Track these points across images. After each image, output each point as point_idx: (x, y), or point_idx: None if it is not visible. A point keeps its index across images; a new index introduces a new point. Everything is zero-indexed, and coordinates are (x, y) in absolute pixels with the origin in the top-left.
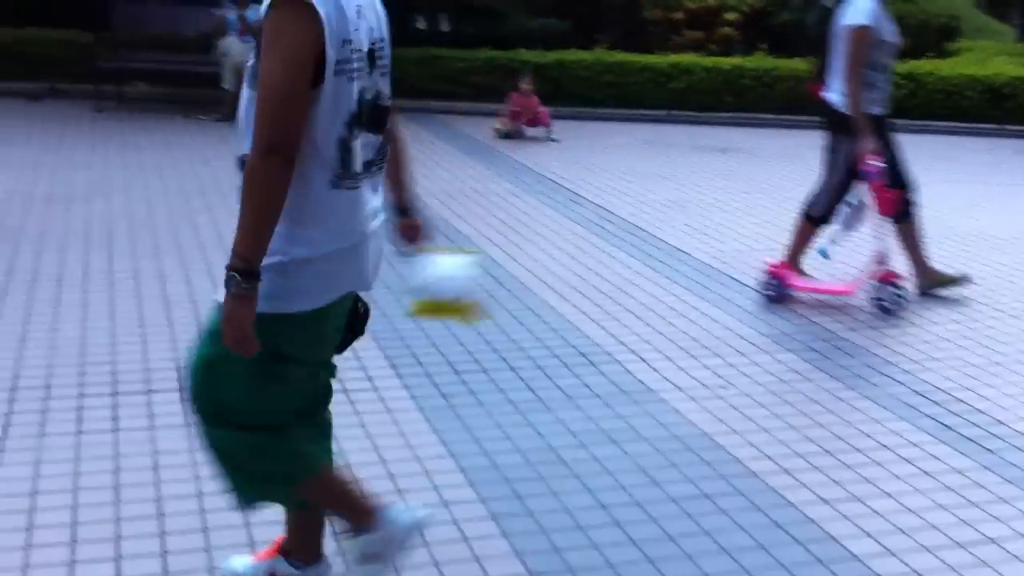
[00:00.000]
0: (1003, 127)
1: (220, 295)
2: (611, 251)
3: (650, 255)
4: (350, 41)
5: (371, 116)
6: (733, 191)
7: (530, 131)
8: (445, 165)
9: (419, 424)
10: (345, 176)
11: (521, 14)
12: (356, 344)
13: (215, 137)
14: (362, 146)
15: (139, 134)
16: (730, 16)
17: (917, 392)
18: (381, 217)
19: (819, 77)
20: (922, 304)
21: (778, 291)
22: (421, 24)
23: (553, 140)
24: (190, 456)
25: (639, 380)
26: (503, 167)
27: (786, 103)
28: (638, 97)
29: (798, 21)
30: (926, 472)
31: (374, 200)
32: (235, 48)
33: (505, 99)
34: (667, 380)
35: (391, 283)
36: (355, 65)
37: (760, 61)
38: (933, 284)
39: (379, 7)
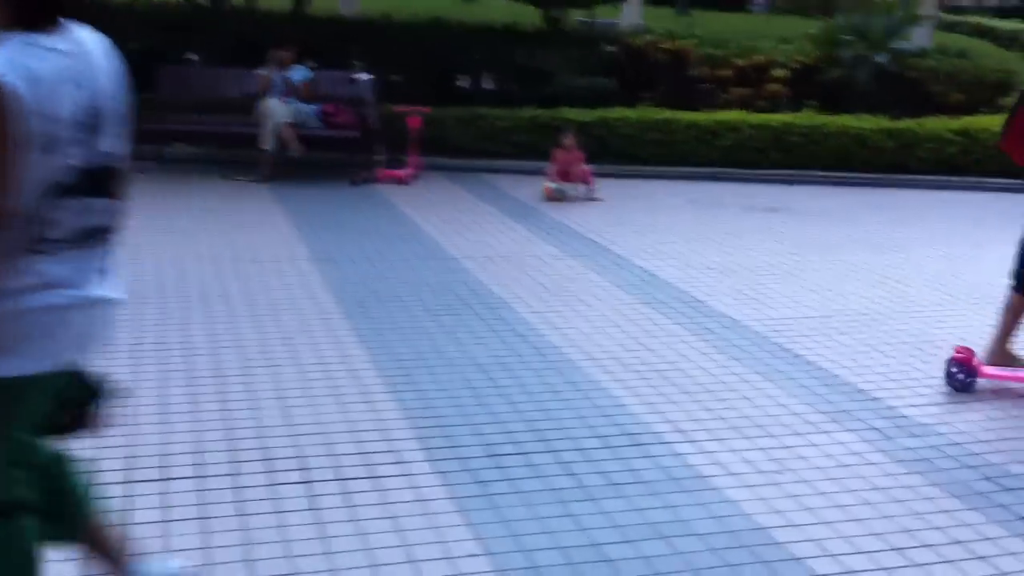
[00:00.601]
0: None
1: None
2: (657, 319)
3: (698, 323)
4: (54, 116)
5: (92, 181)
6: (783, 253)
7: (572, 190)
8: (486, 227)
9: (452, 516)
10: (40, 243)
11: (567, 73)
12: (386, 424)
13: (252, 200)
14: (81, 211)
15: (177, 196)
16: (778, 73)
17: (989, 478)
18: (99, 290)
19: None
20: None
21: (966, 380)
22: (464, 83)
23: (594, 199)
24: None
25: (689, 465)
26: (546, 228)
27: (836, 160)
28: (684, 155)
29: (848, 77)
30: (1007, 574)
31: (85, 272)
32: (277, 109)
33: (550, 157)
34: (719, 464)
35: (426, 354)
36: (63, 136)
37: (809, 118)
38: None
39: (110, 65)
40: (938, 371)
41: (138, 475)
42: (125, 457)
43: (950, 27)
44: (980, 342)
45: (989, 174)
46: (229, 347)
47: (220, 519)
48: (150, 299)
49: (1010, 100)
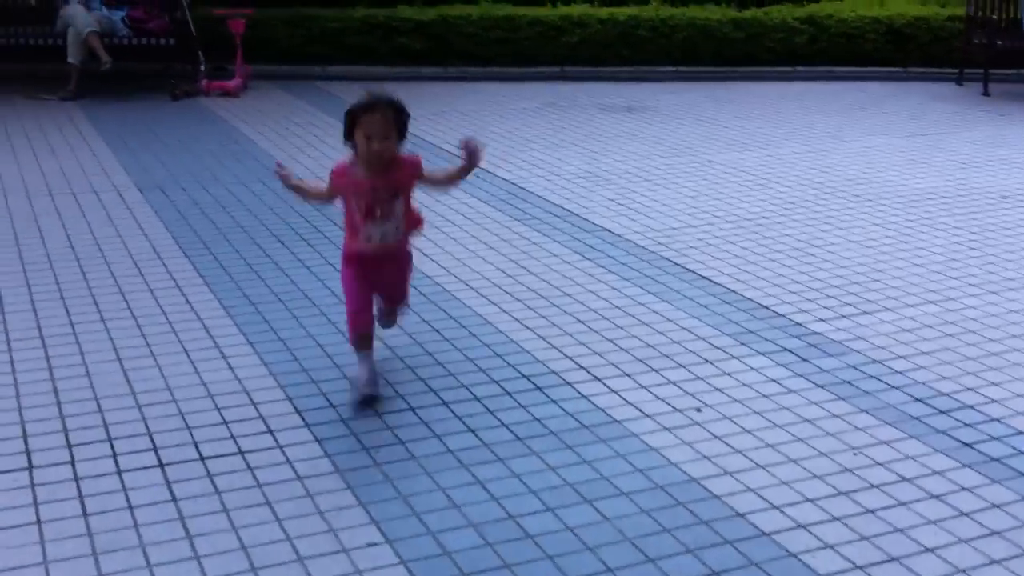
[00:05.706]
0: (907, 70)
1: None
2: (534, 237)
3: (579, 240)
4: None
5: None
6: (650, 156)
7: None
8: (329, 141)
9: (341, 495)
10: None
11: None
12: (248, 383)
13: (61, 120)
14: None
15: None
16: None
17: (917, 399)
18: None
19: None
20: (887, 282)
21: None
22: None
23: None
24: None
25: (598, 407)
26: None
27: (684, 54)
28: (530, 53)
29: None
30: (964, 512)
31: None
32: (80, 17)
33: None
34: (630, 404)
35: (283, 295)
36: None
37: (655, 11)
38: None
39: None
40: (835, 278)
41: None
42: None
43: None
44: (868, 242)
45: (837, 63)
46: (50, 300)
47: (60, 522)
48: None
49: None
